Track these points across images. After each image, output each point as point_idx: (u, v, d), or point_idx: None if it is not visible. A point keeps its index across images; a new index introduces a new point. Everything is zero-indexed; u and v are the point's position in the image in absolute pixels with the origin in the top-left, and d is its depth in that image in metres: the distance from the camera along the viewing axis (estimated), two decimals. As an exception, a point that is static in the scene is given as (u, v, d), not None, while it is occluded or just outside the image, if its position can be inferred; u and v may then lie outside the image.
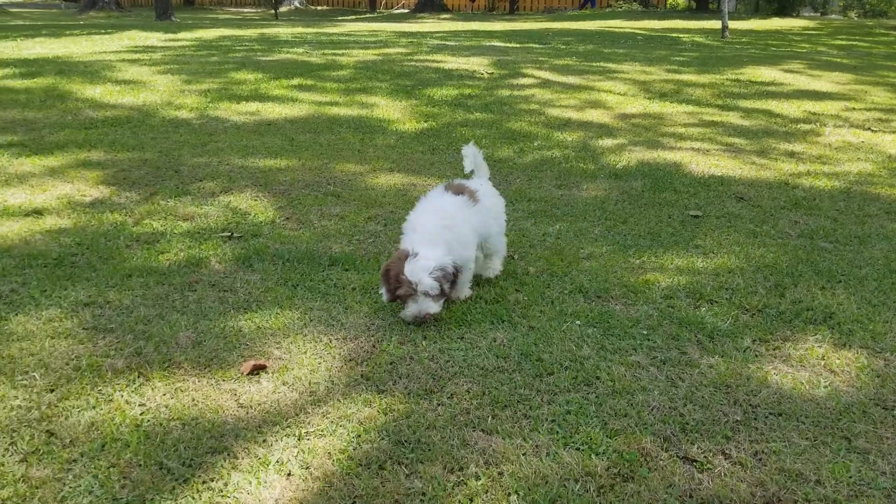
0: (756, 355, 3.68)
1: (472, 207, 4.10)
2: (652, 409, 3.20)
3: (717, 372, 3.51)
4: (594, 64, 13.34)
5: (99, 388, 3.24)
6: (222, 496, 2.63)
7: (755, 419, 3.17)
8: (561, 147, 7.72)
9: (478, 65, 12.64)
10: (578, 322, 3.95)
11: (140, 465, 2.77)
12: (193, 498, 2.61)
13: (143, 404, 3.15)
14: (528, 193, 6.17)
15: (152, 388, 3.26)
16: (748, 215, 5.79)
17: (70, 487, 2.64)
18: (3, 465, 2.74)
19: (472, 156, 4.52)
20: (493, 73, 11.80)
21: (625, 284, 4.43)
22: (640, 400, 3.27)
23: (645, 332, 3.87)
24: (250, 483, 2.70)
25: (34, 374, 3.32)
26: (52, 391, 3.21)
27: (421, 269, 3.64)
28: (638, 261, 4.81)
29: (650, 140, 8.10)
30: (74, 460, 2.79)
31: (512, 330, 3.86)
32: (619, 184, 6.52)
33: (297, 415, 3.12)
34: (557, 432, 3.03)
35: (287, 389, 3.31)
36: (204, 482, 2.69)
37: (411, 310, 3.73)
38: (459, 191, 4.15)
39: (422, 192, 6.09)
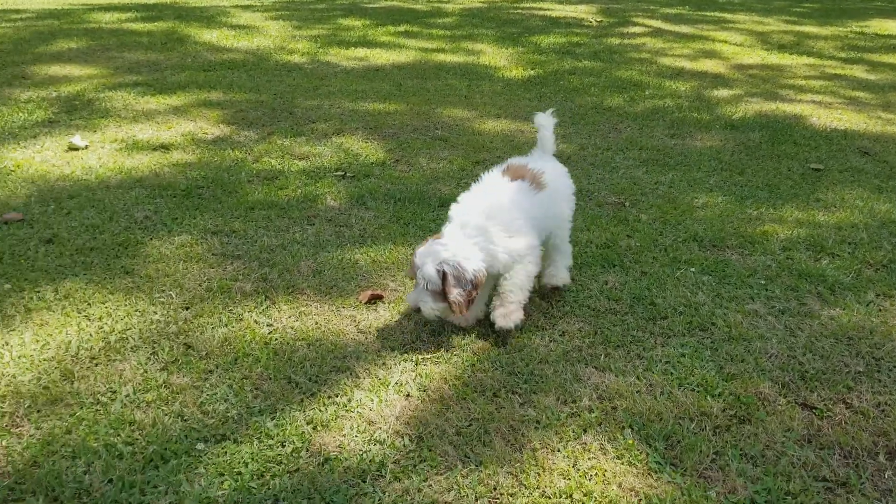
0: (880, 310, 3.56)
1: (535, 195, 3.34)
2: (770, 357, 3.16)
3: (839, 324, 3.41)
4: (708, 13, 12.81)
5: (230, 308, 3.44)
6: (346, 410, 2.77)
7: (878, 371, 3.08)
8: (673, 96, 7.51)
9: (585, 12, 12.35)
10: (693, 269, 3.89)
11: (270, 379, 2.94)
12: (320, 410, 2.76)
13: (271, 324, 3.32)
14: (640, 142, 6.06)
15: (278, 311, 3.43)
16: (873, 170, 5.52)
17: (207, 395, 2.84)
18: (146, 371, 2.97)
19: (545, 125, 3.71)
20: (601, 21, 11.51)
21: (741, 235, 4.32)
22: (758, 347, 3.22)
23: (763, 282, 3.78)
24: (372, 401, 2.83)
25: (170, 292, 3.55)
26: (187, 309, 3.43)
27: (428, 255, 3.06)
28: (755, 212, 4.67)
29: (768, 92, 7.77)
30: (210, 371, 2.99)
31: (624, 274, 3.85)
32: (736, 135, 6.31)
33: (413, 342, 3.23)
34: (672, 373, 3.03)
35: (403, 319, 3.42)
36: (329, 397, 2.84)
37: (410, 297, 3.16)
38: (519, 174, 3.38)
39: (529, 138, 6.09)
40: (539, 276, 3.48)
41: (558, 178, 3.57)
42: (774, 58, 9.40)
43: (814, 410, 2.82)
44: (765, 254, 4.09)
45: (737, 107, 7.16)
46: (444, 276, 3.01)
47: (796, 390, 2.94)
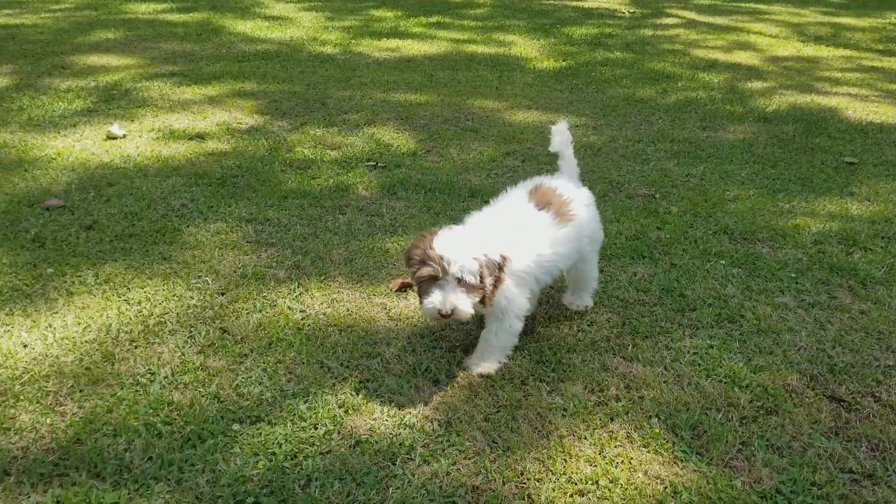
0: (913, 305, 3.53)
1: (560, 231, 3.01)
2: (798, 349, 3.16)
3: (870, 318, 3.40)
4: (743, 4, 12.65)
5: (264, 294, 3.52)
6: (377, 395, 2.83)
7: (910, 367, 3.07)
8: (706, 88, 7.45)
9: (618, 3, 12.26)
10: (723, 262, 3.89)
11: (303, 363, 3.01)
12: (352, 394, 2.83)
13: (304, 311, 3.40)
14: (671, 134, 6.03)
15: (311, 297, 3.50)
16: (910, 164, 5.45)
17: (243, 377, 2.92)
18: (184, 354, 3.06)
19: (561, 138, 3.38)
20: (634, 13, 11.44)
21: (772, 228, 4.30)
22: (787, 339, 3.22)
23: (793, 275, 3.77)
24: (402, 386, 2.89)
25: (206, 278, 3.64)
26: (222, 294, 3.51)
27: (459, 245, 2.64)
28: (787, 205, 4.65)
29: (803, 84, 7.68)
30: (245, 355, 3.07)
31: (653, 266, 3.86)
32: (769, 127, 6.25)
33: (442, 330, 3.28)
34: (699, 364, 3.05)
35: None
36: (360, 381, 2.91)
37: (435, 298, 2.62)
38: (545, 202, 3.03)
39: (561, 129, 6.09)
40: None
41: (585, 210, 3.21)
42: (810, 50, 9.28)
43: (842, 403, 2.82)
44: (796, 247, 4.07)
45: (770, 99, 7.09)
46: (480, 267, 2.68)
47: (824, 383, 2.94)
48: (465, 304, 2.63)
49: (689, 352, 3.13)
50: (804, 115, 6.58)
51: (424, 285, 2.67)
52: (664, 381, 2.93)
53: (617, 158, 5.48)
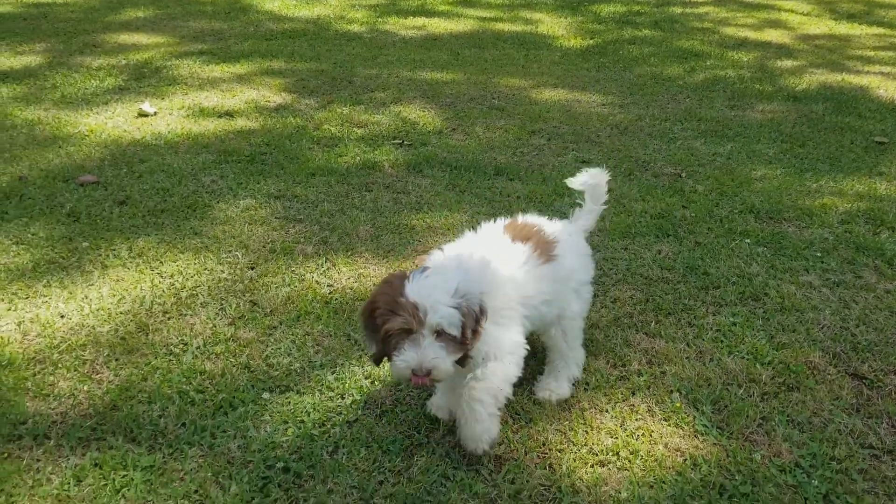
0: (940, 285, 3.52)
1: (539, 269, 2.53)
2: (822, 328, 3.17)
3: (895, 297, 3.39)
4: (775, -19, 12.43)
5: (292, 268, 3.59)
6: (403, 368, 2.89)
7: (934, 346, 3.07)
8: (735, 67, 7.37)
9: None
10: (748, 240, 3.89)
11: (331, 336, 3.08)
12: (378, 367, 2.89)
13: (331, 285, 3.46)
14: (699, 113, 6.00)
15: (338, 272, 3.57)
16: (942, 144, 5.38)
17: (272, 348, 3.00)
18: (215, 326, 3.14)
19: (595, 182, 2.89)
20: (663, -9, 11.29)
21: (799, 207, 4.29)
22: (810, 318, 3.23)
23: (818, 255, 3.77)
24: (427, 360, 2.94)
25: (236, 253, 3.71)
26: (252, 268, 3.59)
27: (435, 288, 2.16)
28: (815, 184, 4.62)
29: (834, 62, 7.57)
30: (274, 327, 3.15)
31: (678, 244, 3.88)
32: (798, 106, 6.19)
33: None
34: (722, 341, 3.07)
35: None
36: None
37: (408, 357, 2.15)
38: (527, 236, 2.58)
39: (586, 109, 6.09)
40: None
41: (574, 254, 2.71)
42: (842, 28, 9.13)
43: (864, 381, 2.83)
44: (822, 226, 4.06)
45: (800, 78, 7.00)
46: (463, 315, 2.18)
47: (847, 360, 2.95)
48: (445, 362, 2.16)
49: (711, 329, 3.15)
50: (834, 94, 6.50)
51: (393, 340, 2.17)
52: (686, 357, 2.96)
53: (643, 137, 5.47)
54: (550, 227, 2.69)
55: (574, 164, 4.96)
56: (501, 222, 2.66)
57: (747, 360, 2.94)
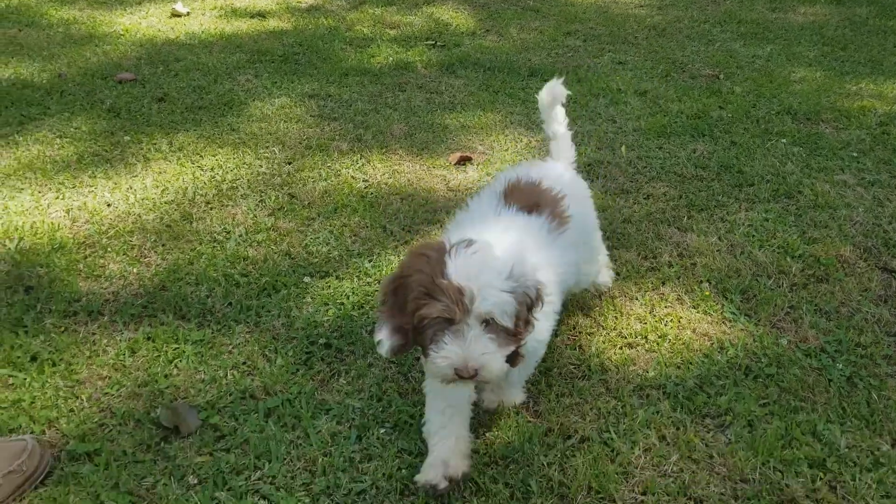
0: (978, 186, 3.49)
1: (557, 239, 2.13)
2: (854, 224, 3.18)
3: (932, 197, 3.38)
4: None
5: (328, 164, 3.65)
6: (438, 257, 2.97)
7: (968, 243, 3.07)
8: (778, -32, 7.12)
9: None
10: (784, 140, 3.87)
11: (367, 227, 3.16)
12: (414, 255, 2.97)
13: (366, 180, 3.52)
14: (739, 15, 5.84)
15: (373, 168, 3.62)
16: None
17: (311, 238, 3.09)
18: (256, 216, 3.23)
19: (552, 99, 2.60)
20: None
21: (837, 109, 4.22)
22: (843, 215, 3.24)
23: (855, 155, 3.74)
24: (462, 250, 3.02)
25: (273, 148, 3.77)
26: (289, 164, 3.65)
27: (485, 267, 1.72)
28: (854, 87, 4.53)
29: (884, -36, 7.27)
30: (313, 218, 3.23)
31: (713, 143, 3.86)
32: (841, 9, 6.00)
33: (501, 200, 3.38)
34: (753, 236, 3.10)
35: (491, 179, 3.55)
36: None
37: (451, 353, 1.71)
38: (533, 204, 2.14)
39: (623, 11, 5.95)
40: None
41: (582, 206, 2.37)
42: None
43: (893, 274, 2.86)
44: (860, 128, 4.01)
45: (847, -21, 6.75)
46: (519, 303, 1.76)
47: (878, 255, 2.97)
48: (496, 360, 1.73)
49: (743, 224, 3.18)
50: (882, -4, 6.28)
51: (430, 330, 1.74)
52: (717, 250, 3.00)
53: (681, 39, 5.36)
54: (545, 175, 2.28)
55: (611, 66, 4.90)
56: (500, 186, 2.22)
57: (778, 253, 2.98)
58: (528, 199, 2.14)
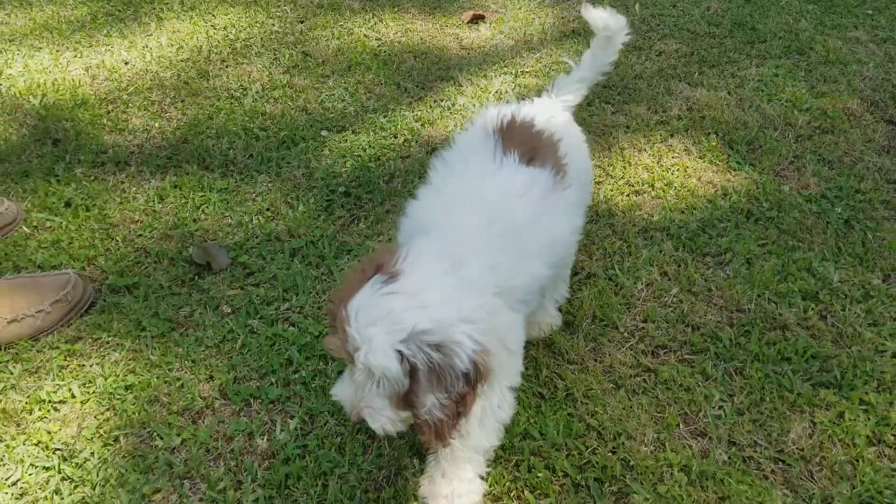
0: None
1: (563, 192, 1.69)
2: (864, 79, 3.20)
3: (944, 52, 3.38)
4: None
5: (341, 23, 3.65)
6: (450, 112, 3.04)
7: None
8: None
9: None
10: (799, -3, 3.83)
11: (381, 84, 3.21)
12: (427, 111, 3.04)
13: (379, 38, 3.53)
14: None
15: (385, 27, 3.62)
16: None
17: (326, 94, 3.14)
18: (271, 74, 3.27)
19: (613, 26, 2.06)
20: None
21: (857, -35, 4.14)
22: (853, 70, 3.26)
23: (870, 13, 3.71)
24: (474, 105, 3.08)
25: (285, 7, 3.76)
26: (301, 22, 3.65)
27: (377, 317, 1.35)
28: (877, -57, 4.42)
29: None
30: (327, 76, 3.27)
31: (727, 1, 3.82)
32: None
33: (513, 58, 3.40)
34: (763, 90, 3.14)
35: (504, 38, 3.56)
36: (435, 101, 3.10)
37: (339, 392, 1.48)
38: (532, 151, 1.71)
39: None
40: None
41: (579, 157, 1.87)
42: None
43: (898, 125, 2.92)
44: (879, -15, 3.95)
45: None
46: (412, 367, 1.35)
47: (884, 108, 3.02)
48: (381, 417, 1.44)
49: (753, 79, 3.21)
50: None
51: (334, 351, 1.47)
52: (726, 104, 3.05)
53: None
54: (535, 115, 1.85)
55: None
56: (492, 124, 1.77)
57: (786, 106, 3.03)
58: (530, 146, 1.72)
